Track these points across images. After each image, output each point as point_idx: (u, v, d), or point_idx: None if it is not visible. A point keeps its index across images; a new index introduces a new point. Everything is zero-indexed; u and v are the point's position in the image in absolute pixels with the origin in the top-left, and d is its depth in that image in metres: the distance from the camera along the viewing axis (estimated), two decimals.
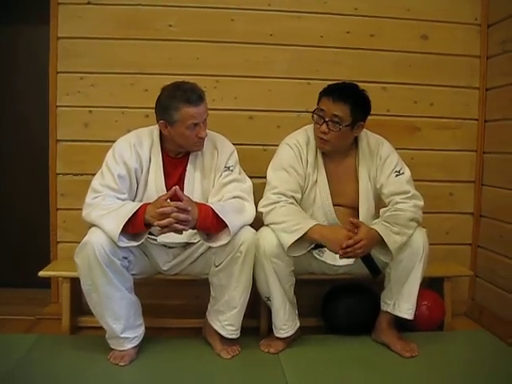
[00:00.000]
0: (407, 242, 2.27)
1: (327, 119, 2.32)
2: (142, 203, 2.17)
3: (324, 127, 2.33)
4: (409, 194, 2.36)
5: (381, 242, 2.24)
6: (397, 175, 2.40)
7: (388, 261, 2.31)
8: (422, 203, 2.38)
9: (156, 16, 2.80)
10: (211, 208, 2.15)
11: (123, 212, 2.10)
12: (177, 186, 2.10)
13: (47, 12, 2.75)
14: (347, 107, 2.30)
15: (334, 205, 2.43)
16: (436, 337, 2.58)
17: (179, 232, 2.11)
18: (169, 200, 2.11)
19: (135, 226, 2.10)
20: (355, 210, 2.44)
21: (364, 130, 2.46)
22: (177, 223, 2.07)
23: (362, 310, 2.54)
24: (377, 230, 2.24)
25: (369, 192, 2.45)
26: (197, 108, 2.21)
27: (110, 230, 2.07)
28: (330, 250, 2.26)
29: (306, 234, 2.22)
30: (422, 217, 2.38)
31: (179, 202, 2.08)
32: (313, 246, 2.33)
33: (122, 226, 2.06)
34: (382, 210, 2.40)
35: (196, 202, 2.18)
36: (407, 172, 2.43)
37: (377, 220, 2.35)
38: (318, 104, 2.39)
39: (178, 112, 2.20)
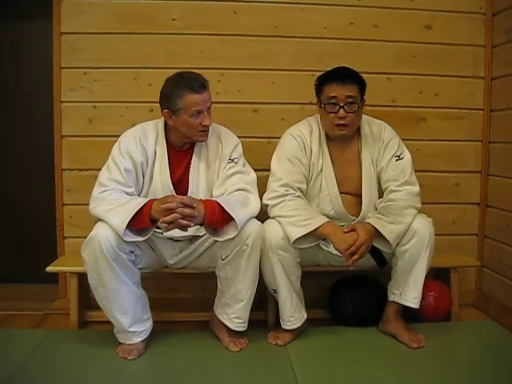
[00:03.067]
0: (406, 230, 2.28)
1: (342, 104, 2.32)
2: (148, 199, 2.17)
3: (342, 112, 2.33)
4: (403, 180, 2.38)
5: (379, 234, 2.26)
6: (397, 159, 2.42)
7: (389, 251, 2.33)
8: (416, 188, 2.40)
9: (159, 10, 2.79)
10: (217, 203, 2.15)
11: (129, 207, 2.11)
12: (171, 194, 2.15)
13: (50, 7, 2.75)
14: (356, 86, 2.35)
15: (340, 192, 2.43)
16: (443, 327, 2.57)
17: (184, 229, 2.12)
18: (174, 192, 2.12)
19: (141, 222, 2.11)
20: (360, 197, 2.45)
21: (365, 116, 2.49)
22: (182, 218, 2.07)
23: (369, 301, 2.54)
24: (370, 223, 2.27)
25: (372, 176, 2.45)
26: (200, 95, 2.22)
27: (115, 225, 2.08)
28: (336, 249, 2.27)
29: (316, 229, 2.24)
30: (427, 206, 2.41)
31: (184, 198, 2.09)
32: (321, 240, 2.36)
33: (127, 222, 2.06)
34: (377, 202, 2.42)
35: (200, 199, 2.18)
36: (407, 156, 2.44)
37: (371, 213, 2.37)
38: (320, 94, 2.40)
39: (181, 99, 2.21)
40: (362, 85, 2.38)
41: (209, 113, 2.28)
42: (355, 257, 2.21)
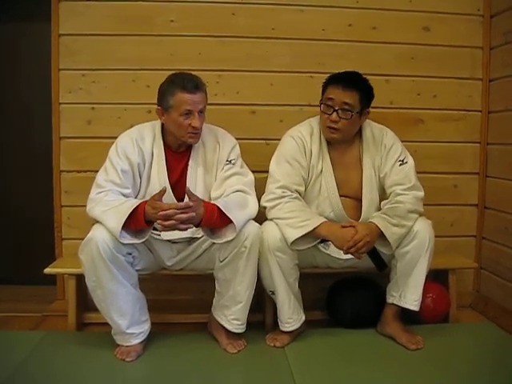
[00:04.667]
0: (407, 233, 2.28)
1: (337, 108, 2.32)
2: (141, 201, 2.17)
3: (334, 116, 2.32)
4: (409, 185, 2.37)
5: (381, 235, 2.25)
6: (401, 164, 2.42)
7: (388, 253, 2.32)
8: (421, 194, 2.39)
9: (157, 11, 2.79)
10: (217, 207, 2.14)
11: (123, 209, 2.11)
12: (188, 187, 2.14)
13: (48, 9, 2.75)
14: (357, 94, 2.32)
15: (339, 195, 2.43)
16: (441, 329, 2.57)
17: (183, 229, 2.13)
18: (172, 194, 2.12)
19: (136, 223, 2.11)
20: (360, 201, 2.44)
21: (367, 120, 2.47)
22: (181, 223, 2.08)
23: (367, 303, 2.54)
24: (375, 222, 2.26)
25: (372, 181, 2.44)
26: (191, 95, 2.22)
27: (111, 227, 2.08)
28: (337, 247, 2.27)
29: (313, 230, 2.24)
30: (425, 208, 2.39)
31: (179, 203, 2.10)
32: (318, 241, 2.35)
33: (122, 223, 2.06)
34: (382, 203, 2.41)
35: (203, 201, 2.18)
36: (410, 161, 2.44)
37: (376, 213, 2.36)
38: (323, 94, 2.39)
39: (172, 97, 2.22)
40: (365, 94, 2.35)
41: (200, 116, 2.27)
42: (352, 250, 2.19)
